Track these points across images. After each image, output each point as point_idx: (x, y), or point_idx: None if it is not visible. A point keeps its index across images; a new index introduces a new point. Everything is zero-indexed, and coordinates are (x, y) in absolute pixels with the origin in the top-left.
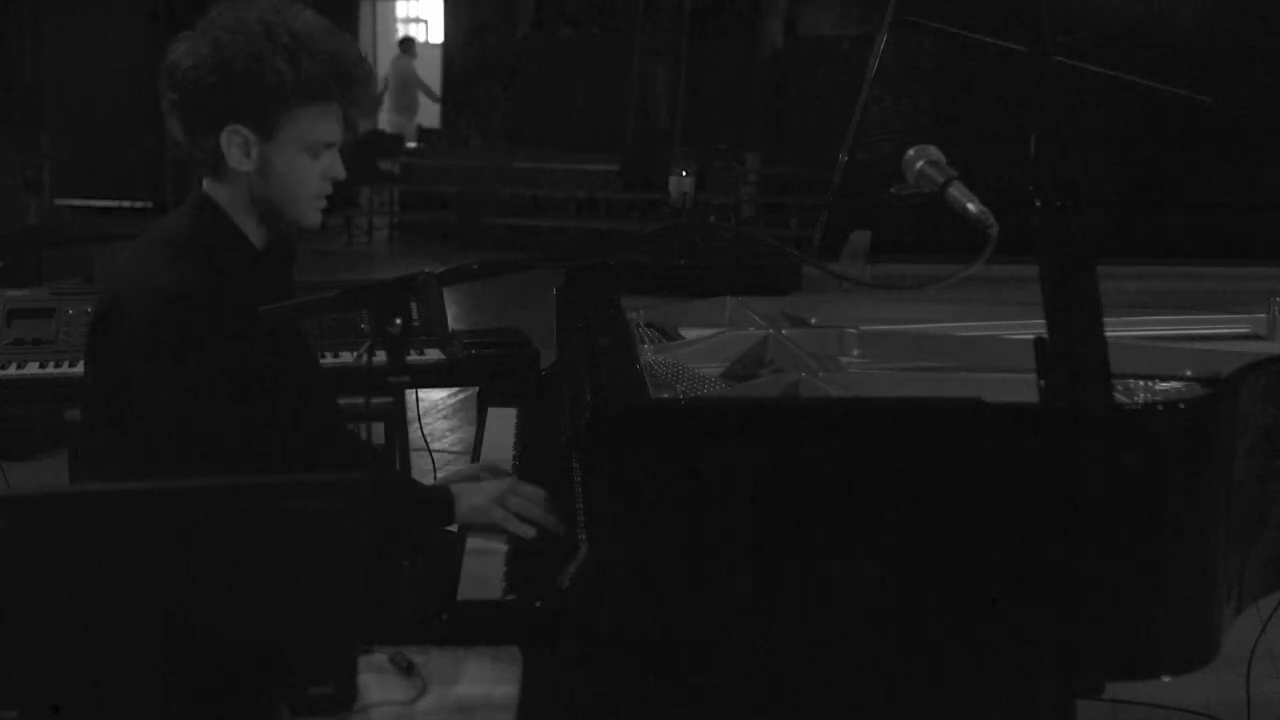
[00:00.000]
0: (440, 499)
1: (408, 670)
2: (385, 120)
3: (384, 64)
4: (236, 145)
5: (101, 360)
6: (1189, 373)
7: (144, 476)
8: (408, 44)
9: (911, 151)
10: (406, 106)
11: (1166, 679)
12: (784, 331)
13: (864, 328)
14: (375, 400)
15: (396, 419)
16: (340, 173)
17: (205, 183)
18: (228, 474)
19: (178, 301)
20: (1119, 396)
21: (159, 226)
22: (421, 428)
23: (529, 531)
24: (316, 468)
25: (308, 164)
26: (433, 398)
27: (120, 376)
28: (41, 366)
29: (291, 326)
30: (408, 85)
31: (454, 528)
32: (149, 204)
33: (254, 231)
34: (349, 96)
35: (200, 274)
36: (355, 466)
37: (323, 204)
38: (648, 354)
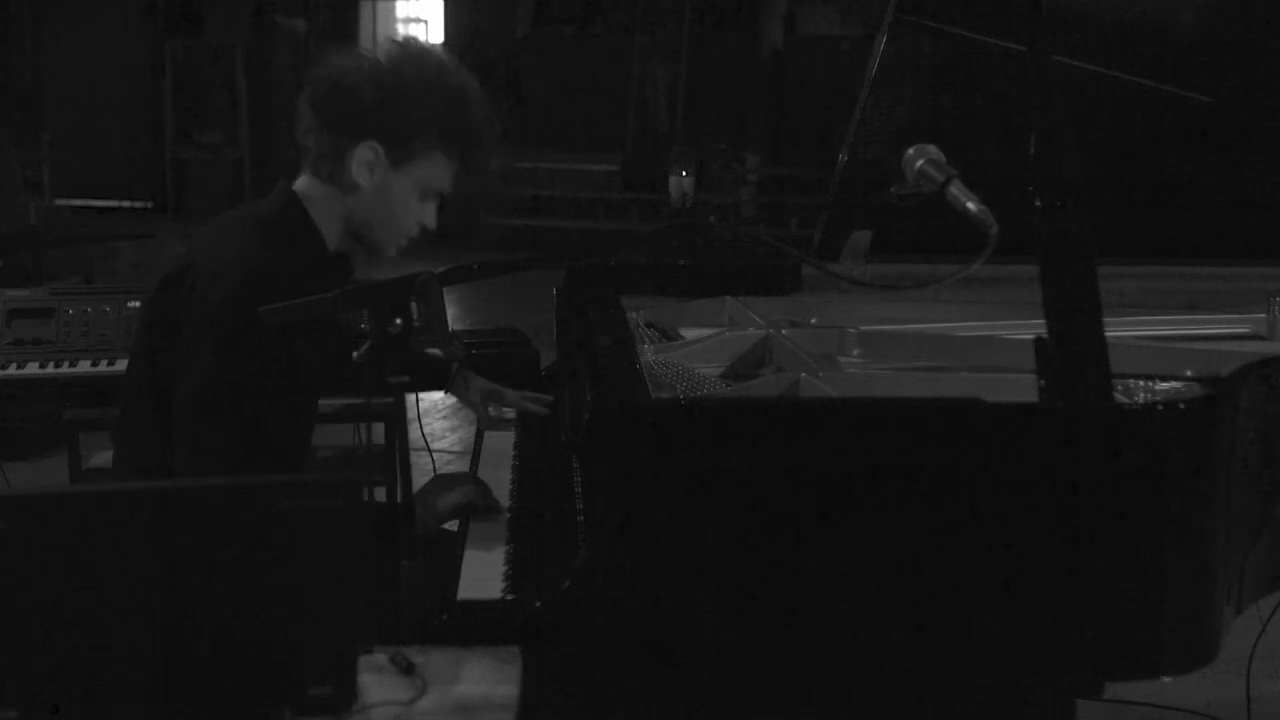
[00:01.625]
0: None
1: (408, 670)
2: None
3: None
4: (365, 161)
5: (162, 321)
6: (1189, 373)
7: (175, 449)
8: None
9: (911, 151)
10: None
11: (1166, 679)
12: (784, 331)
13: (864, 328)
14: (375, 400)
15: (396, 419)
16: (432, 224)
17: (301, 178)
18: (251, 453)
19: (251, 275)
20: (1119, 396)
21: (242, 209)
22: (421, 428)
23: (497, 425)
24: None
25: (415, 204)
26: (433, 398)
27: (177, 339)
28: (41, 366)
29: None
30: None
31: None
32: (149, 204)
33: (331, 237)
34: (474, 164)
35: (276, 256)
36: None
37: (404, 244)
38: (648, 354)
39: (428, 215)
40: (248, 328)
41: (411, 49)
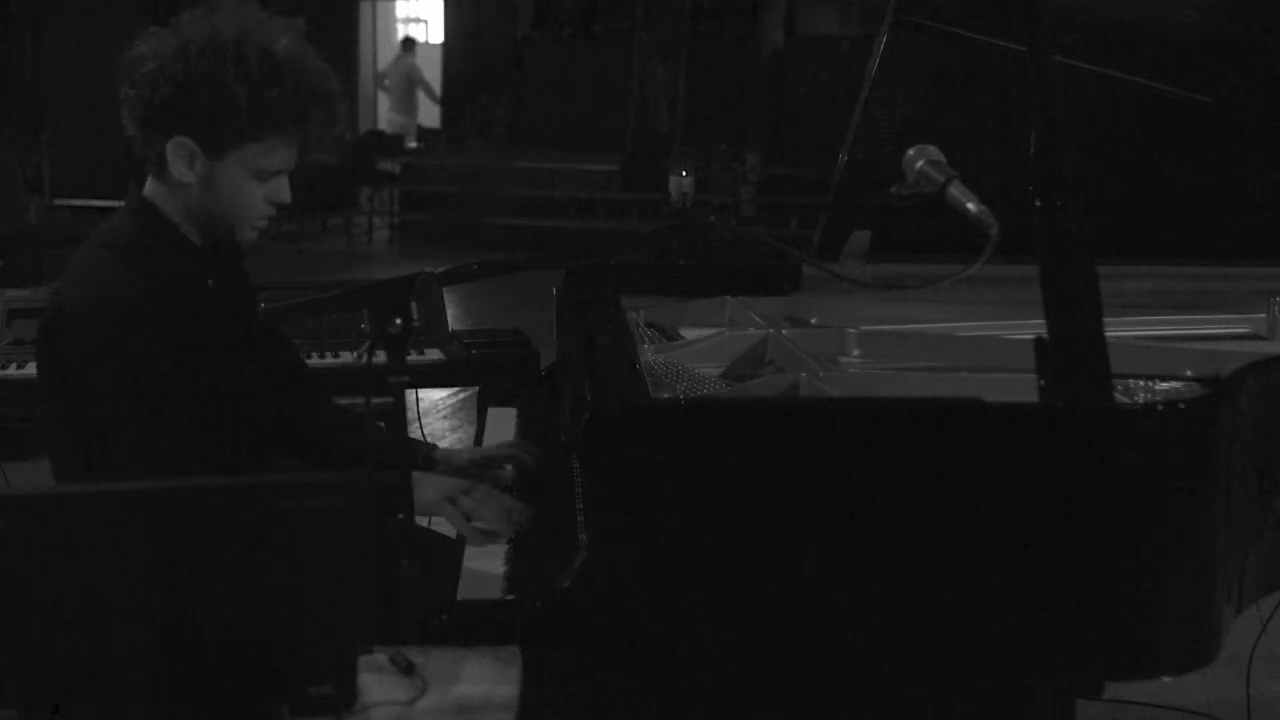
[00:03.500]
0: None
1: (408, 670)
2: (386, 120)
3: (384, 64)
4: (182, 157)
5: (48, 367)
6: (1189, 373)
7: (107, 476)
8: (409, 43)
9: (911, 151)
10: (409, 107)
11: (1166, 679)
12: (784, 331)
13: (864, 328)
14: (375, 400)
15: (396, 419)
16: (285, 198)
17: (148, 182)
18: (174, 470)
19: (115, 307)
20: (1119, 396)
21: (100, 231)
22: (422, 428)
23: (477, 539)
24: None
25: (253, 187)
26: (433, 398)
27: (66, 381)
28: None
29: (246, 300)
30: (412, 85)
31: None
32: None
33: (192, 232)
34: (305, 131)
35: (139, 278)
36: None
37: (263, 223)
38: (648, 354)
39: (277, 192)
40: (125, 351)
41: (196, 28)
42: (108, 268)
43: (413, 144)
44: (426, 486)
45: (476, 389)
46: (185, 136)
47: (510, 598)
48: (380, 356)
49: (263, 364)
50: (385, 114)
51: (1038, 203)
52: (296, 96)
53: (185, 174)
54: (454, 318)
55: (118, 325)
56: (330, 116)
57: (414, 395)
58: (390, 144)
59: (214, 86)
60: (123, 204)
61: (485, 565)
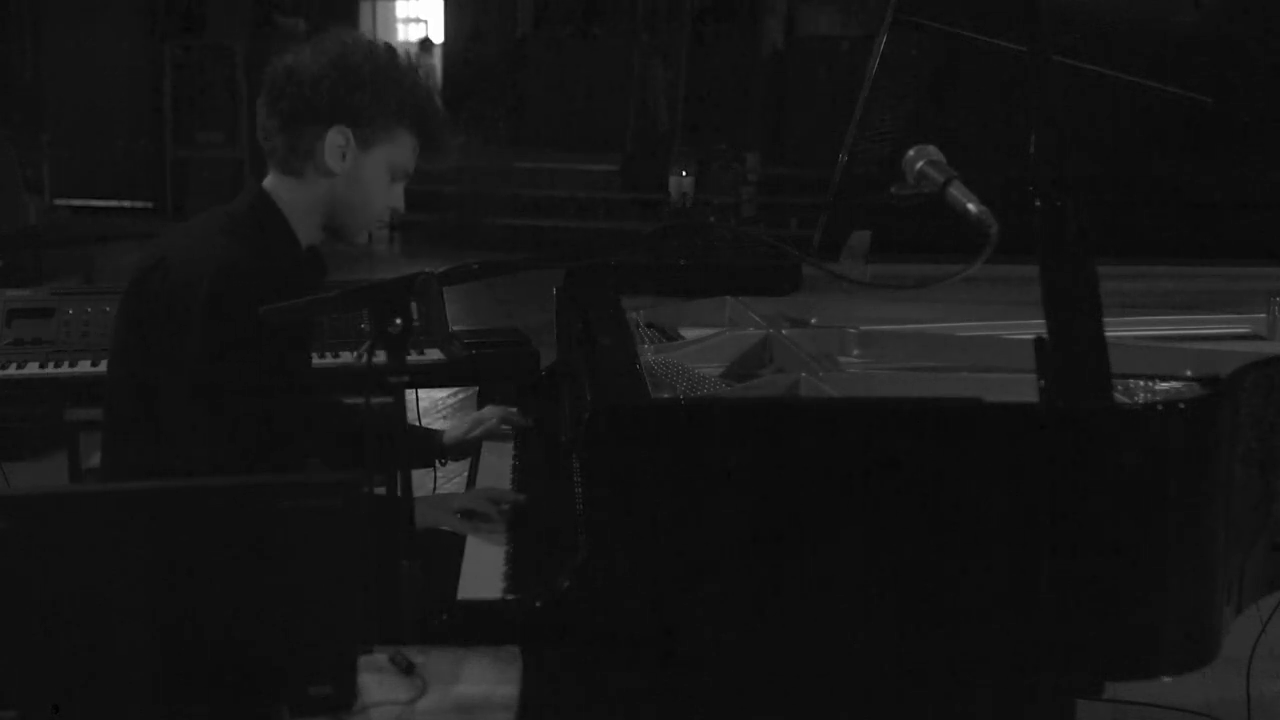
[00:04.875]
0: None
1: (408, 670)
2: None
3: None
4: (337, 146)
5: (136, 318)
6: (1189, 373)
7: (166, 444)
8: (426, 45)
9: (911, 151)
10: None
11: (1166, 679)
12: (784, 331)
13: (864, 328)
14: (375, 400)
15: (396, 419)
16: (401, 206)
17: (270, 179)
18: (237, 446)
19: (225, 270)
20: (1119, 396)
21: (215, 211)
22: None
23: (467, 527)
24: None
25: (386, 185)
26: (433, 398)
27: (154, 335)
28: (41, 366)
29: (302, 333)
30: None
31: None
32: (149, 204)
33: (303, 233)
34: (436, 139)
35: (249, 252)
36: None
37: (376, 227)
38: (648, 354)
39: (396, 197)
40: (228, 321)
41: (350, 38)
42: (217, 235)
43: None
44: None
45: (476, 389)
46: (344, 125)
47: (510, 598)
48: (380, 356)
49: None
50: None
51: (1038, 203)
52: (427, 94)
53: (338, 163)
54: (454, 318)
55: (220, 280)
56: (451, 125)
57: (414, 395)
58: None
59: (378, 77)
60: (133, 202)
61: (485, 565)
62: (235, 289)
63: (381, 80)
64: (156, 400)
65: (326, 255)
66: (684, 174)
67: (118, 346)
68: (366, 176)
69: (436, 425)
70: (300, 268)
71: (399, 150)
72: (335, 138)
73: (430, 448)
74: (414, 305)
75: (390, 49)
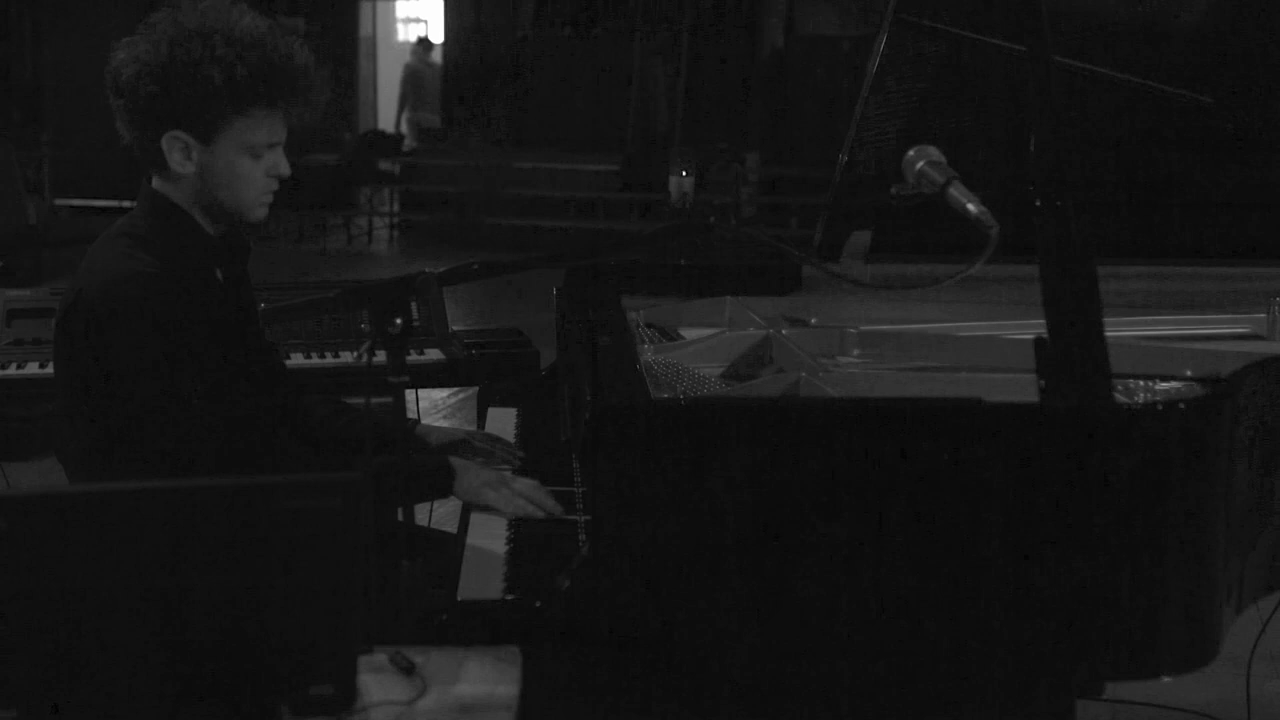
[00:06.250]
0: (440, 468)
1: (408, 670)
2: (409, 120)
3: (384, 63)
4: (177, 150)
5: (68, 354)
6: (1189, 373)
7: (125, 465)
8: (426, 44)
9: (911, 152)
10: (427, 102)
11: (1166, 679)
12: (784, 331)
13: (864, 328)
14: (375, 400)
15: (396, 419)
16: (285, 170)
17: (155, 180)
18: (191, 455)
19: (132, 280)
20: (1119, 396)
21: (117, 224)
22: None
23: (533, 511)
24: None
25: (249, 165)
26: (433, 398)
27: (88, 366)
28: (41, 366)
29: (250, 315)
30: (425, 83)
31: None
32: None
33: (208, 224)
34: (287, 99)
35: (154, 259)
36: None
37: (269, 199)
38: (648, 354)
39: (275, 165)
40: (146, 323)
41: (170, 20)
42: (123, 252)
43: (412, 144)
44: (473, 475)
45: (476, 389)
46: (176, 129)
47: (510, 598)
48: (380, 356)
49: (268, 364)
50: (408, 113)
51: (1038, 203)
52: (267, 68)
53: (184, 165)
54: (454, 318)
55: (137, 299)
56: (306, 85)
57: (414, 395)
58: (390, 144)
59: (189, 74)
60: (134, 201)
61: (485, 565)
62: (148, 294)
63: (200, 73)
64: (114, 436)
65: (327, 256)
66: (684, 174)
67: (61, 390)
68: (220, 168)
69: (437, 425)
70: (217, 255)
71: (250, 129)
72: (172, 143)
73: (437, 485)
74: (414, 305)
75: (204, 28)
